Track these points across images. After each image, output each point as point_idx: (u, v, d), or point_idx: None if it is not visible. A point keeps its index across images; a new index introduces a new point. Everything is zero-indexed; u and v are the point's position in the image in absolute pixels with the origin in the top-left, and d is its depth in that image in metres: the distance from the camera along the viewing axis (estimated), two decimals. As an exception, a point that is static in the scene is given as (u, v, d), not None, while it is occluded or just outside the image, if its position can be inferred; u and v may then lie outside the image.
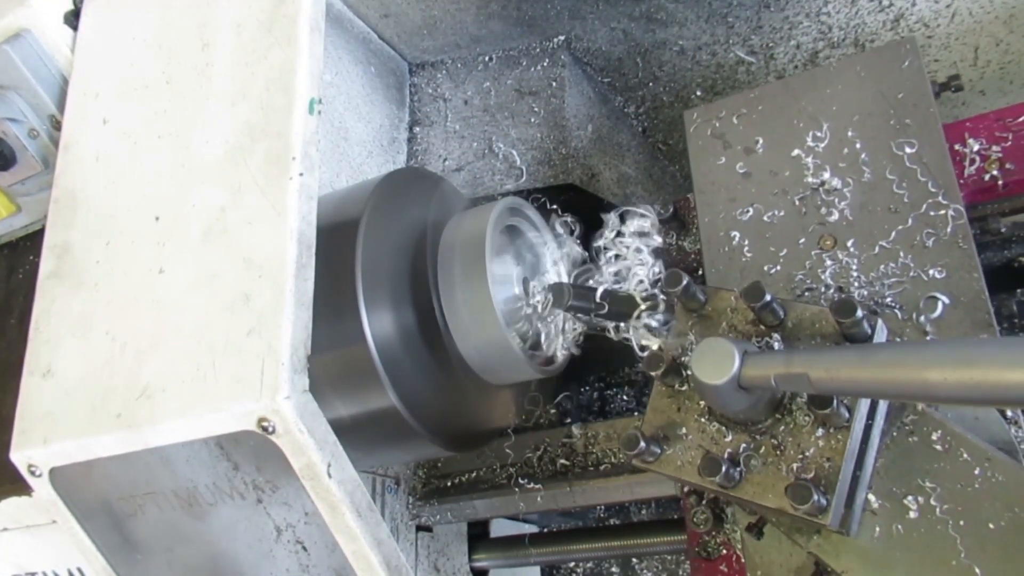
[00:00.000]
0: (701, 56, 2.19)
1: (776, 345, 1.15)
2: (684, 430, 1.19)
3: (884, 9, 2.01)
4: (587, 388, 2.27)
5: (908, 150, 1.37)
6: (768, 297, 1.13)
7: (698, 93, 2.29)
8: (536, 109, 2.07)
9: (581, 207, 1.65)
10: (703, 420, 1.18)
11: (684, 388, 1.21)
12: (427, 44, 2.18)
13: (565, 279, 1.68)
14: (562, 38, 2.12)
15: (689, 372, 1.17)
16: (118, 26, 1.57)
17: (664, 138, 2.47)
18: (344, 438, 1.22)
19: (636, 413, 1.86)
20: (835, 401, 1.07)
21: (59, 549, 1.57)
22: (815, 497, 1.04)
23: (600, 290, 1.37)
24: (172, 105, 1.44)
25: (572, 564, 2.69)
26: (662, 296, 1.32)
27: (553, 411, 2.03)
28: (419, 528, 2.00)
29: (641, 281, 1.38)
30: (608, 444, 1.82)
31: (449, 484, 1.98)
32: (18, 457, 1.37)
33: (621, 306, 1.35)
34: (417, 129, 2.20)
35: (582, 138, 2.07)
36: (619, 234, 1.45)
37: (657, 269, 1.41)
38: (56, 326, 1.41)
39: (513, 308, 1.51)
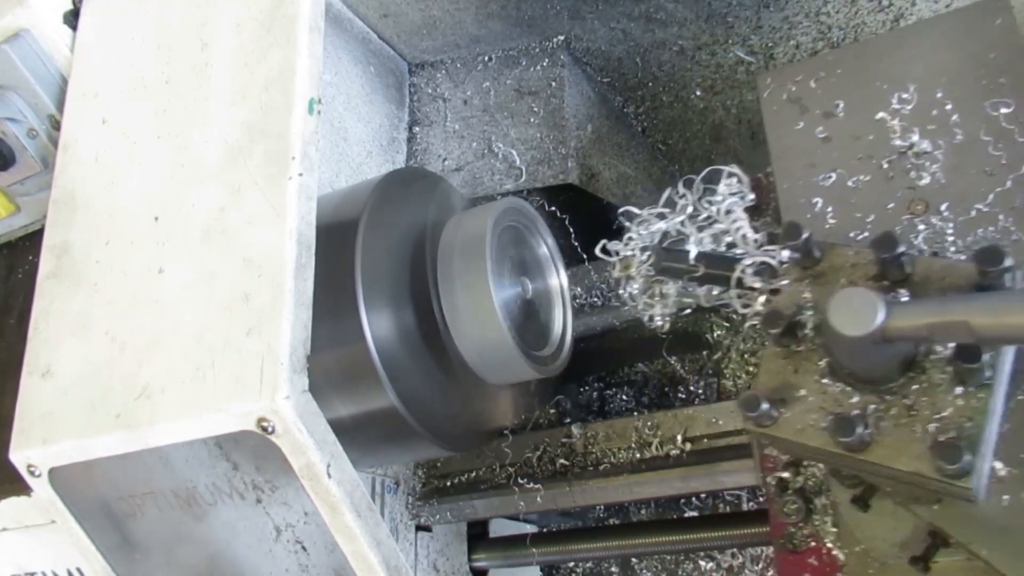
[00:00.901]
0: (701, 56, 2.19)
1: (904, 300, 1.07)
2: (803, 391, 1.11)
3: (884, 9, 2.01)
4: (587, 388, 2.27)
5: (1004, 110, 1.31)
6: (901, 247, 1.07)
7: (697, 93, 2.29)
8: (535, 109, 2.07)
9: (581, 207, 1.65)
10: (824, 381, 1.10)
11: (801, 348, 1.13)
12: (427, 44, 2.18)
13: (564, 278, 1.67)
14: (561, 38, 2.12)
15: (804, 332, 1.12)
16: (117, 26, 1.57)
17: (664, 138, 2.47)
18: (344, 438, 1.21)
19: (635, 413, 1.85)
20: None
21: (58, 549, 1.57)
22: (967, 456, 0.96)
23: (694, 251, 1.31)
24: (171, 105, 1.44)
25: (572, 564, 2.69)
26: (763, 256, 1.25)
27: (552, 411, 2.03)
28: (419, 528, 2.00)
29: (741, 244, 1.31)
30: (608, 444, 1.82)
31: (449, 484, 1.98)
32: (17, 457, 1.37)
33: (719, 267, 1.29)
34: (416, 129, 2.20)
35: (581, 138, 2.07)
36: (709, 192, 1.37)
37: (752, 231, 1.33)
38: (55, 326, 1.41)
39: (513, 308, 1.51)
